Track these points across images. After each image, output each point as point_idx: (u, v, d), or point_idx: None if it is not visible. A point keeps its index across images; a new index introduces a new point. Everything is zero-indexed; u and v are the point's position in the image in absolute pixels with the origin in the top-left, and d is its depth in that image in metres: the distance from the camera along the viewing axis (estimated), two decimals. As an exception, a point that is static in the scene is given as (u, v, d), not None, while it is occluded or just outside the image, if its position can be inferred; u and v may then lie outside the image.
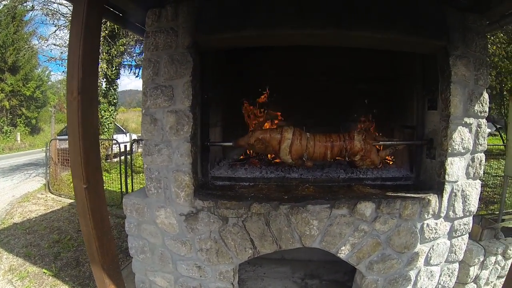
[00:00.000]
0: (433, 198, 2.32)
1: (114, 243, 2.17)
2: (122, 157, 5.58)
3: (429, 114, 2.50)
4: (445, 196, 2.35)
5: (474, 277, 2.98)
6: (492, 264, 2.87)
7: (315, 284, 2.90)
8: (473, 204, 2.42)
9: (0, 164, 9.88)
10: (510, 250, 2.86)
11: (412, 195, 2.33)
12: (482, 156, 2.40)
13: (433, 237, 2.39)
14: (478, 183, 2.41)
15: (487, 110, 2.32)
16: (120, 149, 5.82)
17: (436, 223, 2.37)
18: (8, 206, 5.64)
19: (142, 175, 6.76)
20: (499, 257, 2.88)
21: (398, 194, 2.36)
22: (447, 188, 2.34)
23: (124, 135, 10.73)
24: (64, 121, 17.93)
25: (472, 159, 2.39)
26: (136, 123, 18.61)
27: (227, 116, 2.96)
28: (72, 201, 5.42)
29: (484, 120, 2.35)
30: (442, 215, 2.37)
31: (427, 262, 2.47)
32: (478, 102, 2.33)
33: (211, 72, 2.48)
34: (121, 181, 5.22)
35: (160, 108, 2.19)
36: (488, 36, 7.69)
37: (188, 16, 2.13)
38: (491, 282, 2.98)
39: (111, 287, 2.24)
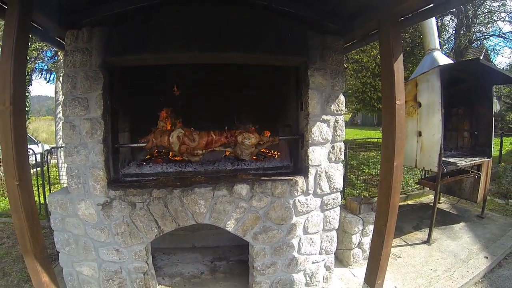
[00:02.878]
0: (299, 179, 2.89)
1: (41, 235, 2.49)
2: (37, 169, 5.29)
3: (301, 114, 3.03)
4: (311, 177, 2.91)
5: (357, 243, 3.27)
6: (371, 231, 3.13)
7: (223, 265, 3.21)
8: (338, 182, 2.99)
9: None
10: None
11: (282, 178, 2.82)
12: (341, 145, 3.01)
13: (306, 210, 2.94)
14: (340, 166, 3.00)
15: (343, 109, 2.96)
16: (35, 160, 5.41)
17: (307, 199, 2.94)
18: None
19: (59, 186, 6.93)
20: None
21: (270, 178, 2.83)
22: (312, 170, 2.90)
23: (36, 145, 9.75)
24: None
25: (333, 147, 2.99)
26: (47, 132, 16.60)
27: (134, 123, 3.48)
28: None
29: (341, 117, 2.98)
30: (311, 192, 2.93)
31: (306, 231, 3.00)
32: (335, 103, 2.91)
33: (119, 85, 3.02)
34: (38, 192, 5.04)
35: (78, 116, 2.65)
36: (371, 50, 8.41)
37: (100, 40, 2.61)
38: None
39: (43, 274, 2.45)
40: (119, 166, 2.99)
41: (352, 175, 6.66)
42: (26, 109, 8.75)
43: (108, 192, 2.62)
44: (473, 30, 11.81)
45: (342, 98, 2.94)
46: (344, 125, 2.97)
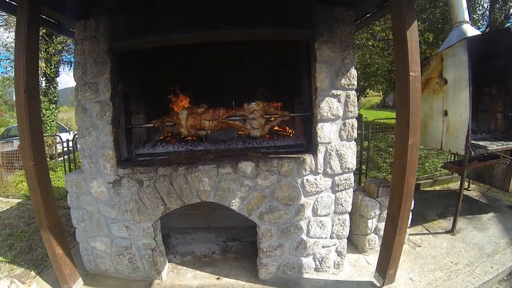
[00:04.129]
0: (308, 157, 2.59)
1: (57, 211, 2.53)
2: (66, 156, 5.33)
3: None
4: (320, 156, 2.60)
5: (373, 228, 2.88)
6: None
7: (235, 245, 3.00)
8: (350, 162, 2.64)
9: None
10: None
11: (289, 156, 2.54)
12: (353, 121, 2.65)
13: (315, 191, 2.65)
14: (353, 144, 2.65)
15: (355, 83, 2.58)
16: (63, 147, 5.52)
17: (316, 179, 2.65)
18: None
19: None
20: None
21: (276, 156, 2.55)
22: (321, 148, 2.60)
23: (68, 133, 9.73)
24: (4, 125, 16.63)
25: (344, 124, 2.64)
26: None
27: (149, 105, 3.38)
28: (20, 200, 5.44)
29: (353, 92, 2.61)
30: (320, 171, 2.63)
31: (315, 213, 2.71)
32: (346, 77, 2.56)
33: (132, 69, 2.94)
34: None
35: (88, 100, 2.62)
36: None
37: (106, 27, 2.55)
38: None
39: (57, 247, 2.47)
40: (132, 146, 2.93)
41: (379, 158, 6.06)
42: (54, 99, 9.20)
43: (117, 171, 2.55)
44: (510, 4, 10.21)
45: (353, 72, 2.57)
46: (356, 101, 2.61)
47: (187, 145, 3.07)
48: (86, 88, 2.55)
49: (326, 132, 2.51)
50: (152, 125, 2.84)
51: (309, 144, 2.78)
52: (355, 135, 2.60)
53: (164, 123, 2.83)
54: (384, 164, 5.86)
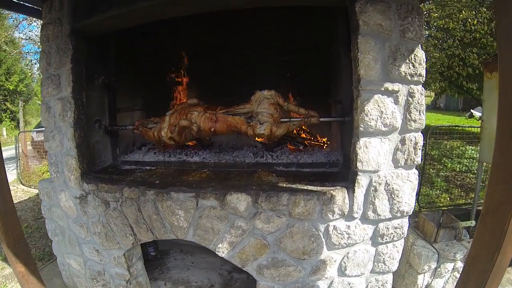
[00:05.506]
0: (339, 193, 1.46)
1: (18, 225, 1.88)
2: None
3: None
4: (359, 191, 1.46)
5: (424, 287, 1.60)
6: (449, 272, 1.64)
7: (241, 279, 2.03)
8: (407, 202, 1.49)
9: None
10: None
11: (309, 187, 1.49)
12: (418, 136, 1.46)
13: (345, 243, 1.55)
14: (413, 174, 1.49)
15: (423, 73, 1.42)
16: None
17: (348, 226, 1.53)
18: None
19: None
20: (459, 264, 1.52)
21: (291, 185, 1.51)
22: (362, 180, 1.47)
23: None
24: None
25: (402, 141, 1.45)
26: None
27: (148, 100, 2.54)
28: (40, 191, 4.91)
29: (420, 87, 1.44)
30: (357, 215, 1.50)
31: (342, 273, 1.64)
32: (407, 61, 1.39)
33: (122, 57, 2.16)
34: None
35: (52, 96, 1.88)
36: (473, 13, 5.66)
37: (69, 6, 1.77)
38: (448, 292, 1.94)
39: (17, 264, 1.87)
40: (117, 151, 2.18)
41: (431, 170, 4.48)
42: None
43: (82, 185, 1.78)
44: None
45: (420, 54, 1.37)
46: (424, 101, 1.43)
47: (181, 153, 2.18)
48: (49, 82, 1.81)
49: (373, 153, 1.37)
50: (132, 127, 2.05)
51: (346, 165, 1.64)
52: (418, 159, 1.40)
53: (143, 126, 1.99)
54: (438, 179, 4.36)
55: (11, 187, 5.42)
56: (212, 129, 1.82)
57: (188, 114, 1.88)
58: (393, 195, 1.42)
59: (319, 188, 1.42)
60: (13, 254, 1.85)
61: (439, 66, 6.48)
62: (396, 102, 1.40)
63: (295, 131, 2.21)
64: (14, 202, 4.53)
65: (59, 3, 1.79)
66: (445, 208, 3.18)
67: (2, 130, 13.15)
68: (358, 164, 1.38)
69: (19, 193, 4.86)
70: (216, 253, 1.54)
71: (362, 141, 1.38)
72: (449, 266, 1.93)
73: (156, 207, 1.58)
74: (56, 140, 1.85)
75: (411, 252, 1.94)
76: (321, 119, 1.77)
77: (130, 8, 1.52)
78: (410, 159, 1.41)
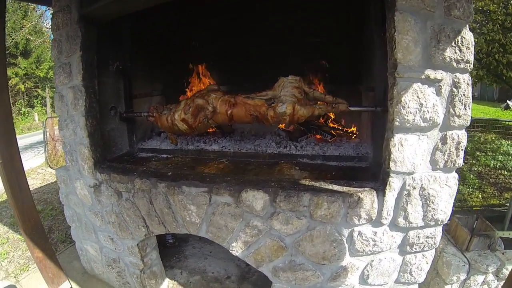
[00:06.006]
0: (367, 196, 1.30)
1: (35, 213, 1.98)
2: None
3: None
4: (390, 195, 1.29)
5: None
6: (479, 286, 1.38)
7: (259, 272, 1.93)
8: (443, 210, 1.30)
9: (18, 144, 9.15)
10: (506, 269, 1.27)
11: (334, 186, 1.33)
12: (461, 134, 1.26)
13: (370, 251, 1.40)
14: (452, 178, 1.28)
15: (472, 60, 1.18)
16: None
17: (375, 232, 1.37)
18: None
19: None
20: (490, 277, 1.38)
21: (308, 184, 1.35)
22: (394, 182, 1.28)
23: None
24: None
25: (443, 139, 1.25)
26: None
27: (168, 84, 2.47)
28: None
29: (467, 76, 1.21)
30: (385, 221, 1.34)
31: (364, 281, 1.50)
32: (453, 44, 1.17)
33: (137, 41, 2.08)
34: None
35: (64, 85, 1.83)
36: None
37: None
38: (477, 307, 1.77)
39: (35, 250, 1.96)
40: (133, 138, 2.14)
41: (464, 164, 4.08)
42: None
43: (95, 174, 1.76)
44: None
45: (468, 36, 1.14)
46: (470, 93, 1.20)
47: (199, 141, 2.10)
48: (60, 70, 1.77)
49: (409, 152, 1.19)
50: (147, 114, 1.99)
51: (376, 160, 1.50)
52: (460, 161, 1.22)
53: (158, 111, 1.91)
54: (471, 175, 3.90)
55: (39, 170, 5.60)
56: (229, 112, 1.68)
57: (205, 96, 1.77)
58: (428, 201, 1.25)
59: (345, 189, 1.28)
60: (30, 240, 1.91)
61: (476, 52, 5.85)
62: (438, 93, 1.21)
63: (321, 120, 2.08)
64: (42, 184, 4.57)
65: None
66: (478, 208, 2.94)
67: (34, 115, 13.94)
68: (391, 164, 1.21)
69: (47, 175, 5.06)
70: (230, 251, 1.47)
71: (397, 137, 1.20)
72: (480, 279, 1.76)
73: (167, 200, 1.52)
74: (69, 129, 1.83)
75: (439, 259, 1.79)
76: (351, 108, 1.57)
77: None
78: (451, 161, 1.22)
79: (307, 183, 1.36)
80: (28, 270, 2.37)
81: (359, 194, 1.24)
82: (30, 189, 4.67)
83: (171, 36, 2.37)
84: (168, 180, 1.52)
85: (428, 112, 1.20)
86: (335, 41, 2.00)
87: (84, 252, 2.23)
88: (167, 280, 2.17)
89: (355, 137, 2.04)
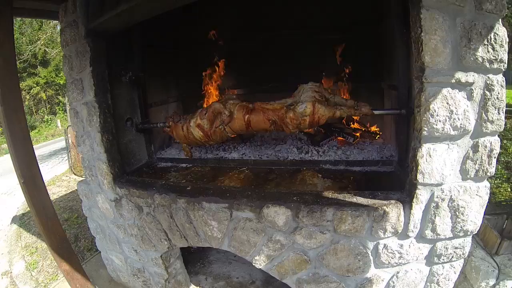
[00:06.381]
0: (393, 210, 1.24)
1: (60, 229, 2.01)
2: None
3: (412, 70, 1.31)
4: (417, 207, 1.23)
5: None
6: None
7: None
8: (473, 221, 1.24)
9: (42, 151, 8.91)
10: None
11: (358, 199, 1.28)
12: (494, 141, 1.18)
13: (396, 263, 1.36)
14: (483, 187, 1.21)
15: (506, 58, 1.08)
16: None
17: (401, 245, 1.32)
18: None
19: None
20: None
21: (337, 195, 1.33)
22: (422, 194, 1.22)
23: None
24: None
25: (474, 147, 1.17)
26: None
27: (185, 90, 2.52)
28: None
29: (500, 77, 1.12)
30: (412, 234, 1.29)
31: None
32: (485, 43, 1.07)
33: (141, 51, 2.06)
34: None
35: (77, 101, 1.85)
36: None
37: (81, 6, 1.67)
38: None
39: (62, 263, 2.02)
40: (152, 148, 2.17)
41: None
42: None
43: (115, 189, 1.79)
44: None
45: (502, 32, 1.05)
46: (505, 96, 1.11)
47: (218, 149, 2.09)
48: (73, 87, 1.78)
49: (437, 163, 1.14)
50: (162, 125, 1.99)
51: (402, 161, 1.47)
52: (492, 170, 1.15)
53: (174, 121, 1.90)
54: (498, 166, 3.70)
55: (64, 178, 5.63)
56: (247, 117, 1.64)
57: (223, 102, 1.75)
58: (457, 213, 1.19)
59: (369, 202, 1.24)
60: (57, 254, 1.98)
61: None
62: (470, 97, 1.13)
63: (344, 122, 2.04)
64: (67, 191, 4.64)
65: (72, 4, 1.70)
66: (505, 202, 2.83)
67: (57, 122, 14.45)
68: (419, 176, 1.16)
69: (72, 182, 5.16)
70: (253, 264, 1.48)
71: (425, 148, 1.15)
72: (510, 284, 1.72)
73: (188, 215, 1.53)
74: (86, 144, 1.86)
75: (468, 264, 1.74)
76: (375, 112, 1.51)
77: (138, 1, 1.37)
78: (482, 170, 1.16)
79: (330, 196, 1.34)
80: (57, 279, 2.47)
81: (385, 207, 1.21)
82: (56, 196, 4.79)
83: (184, 40, 2.36)
84: (188, 195, 1.53)
85: (458, 119, 1.13)
86: (355, 35, 1.91)
87: (109, 261, 2.31)
88: (192, 287, 2.22)
89: (378, 137, 1.99)
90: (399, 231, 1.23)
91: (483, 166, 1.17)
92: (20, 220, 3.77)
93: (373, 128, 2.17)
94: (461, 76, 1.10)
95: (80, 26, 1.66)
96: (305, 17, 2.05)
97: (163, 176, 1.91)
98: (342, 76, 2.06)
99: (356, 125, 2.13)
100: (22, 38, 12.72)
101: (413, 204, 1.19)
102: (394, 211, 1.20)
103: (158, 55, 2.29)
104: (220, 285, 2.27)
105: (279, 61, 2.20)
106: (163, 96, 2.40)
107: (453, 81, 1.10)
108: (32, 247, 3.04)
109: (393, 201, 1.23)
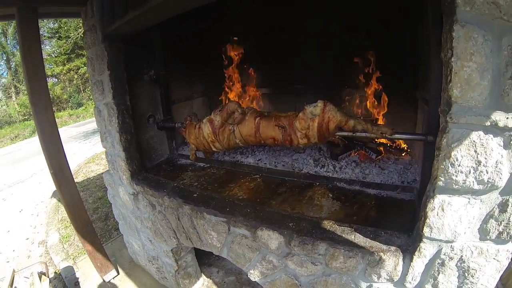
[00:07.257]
0: (390, 258, 1.17)
1: (85, 214, 2.30)
2: None
3: (442, 95, 1.07)
4: (418, 261, 1.14)
5: None
6: None
7: None
8: (483, 285, 1.10)
9: (87, 127, 9.61)
10: None
11: (356, 236, 1.23)
12: None
13: None
14: (505, 251, 1.04)
15: None
16: None
17: None
18: (76, 167, 5.65)
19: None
20: None
21: (323, 234, 1.28)
22: (426, 248, 1.11)
23: None
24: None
25: (503, 205, 1.00)
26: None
27: (211, 84, 2.56)
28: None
29: None
30: (409, 285, 1.20)
31: None
32: None
33: (162, 49, 2.12)
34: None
35: (100, 101, 2.01)
36: None
37: (98, 11, 1.73)
38: None
39: (86, 244, 2.33)
40: (173, 144, 2.30)
41: None
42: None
43: (132, 185, 1.97)
44: None
45: None
46: None
47: (236, 151, 2.12)
48: (95, 87, 1.93)
49: (451, 219, 1.01)
50: (179, 126, 2.05)
51: (421, 195, 1.28)
52: None
53: (192, 121, 1.95)
54: None
55: (103, 156, 5.71)
56: (257, 119, 1.61)
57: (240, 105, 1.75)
58: (466, 274, 1.07)
59: (367, 243, 1.18)
60: (81, 236, 2.29)
61: None
62: (507, 145, 0.92)
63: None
64: (104, 170, 4.79)
65: (91, 9, 1.77)
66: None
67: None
68: (425, 230, 1.04)
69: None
70: (248, 276, 1.55)
71: (438, 200, 1.01)
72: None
73: (192, 221, 1.64)
74: (108, 141, 2.05)
75: None
76: (396, 136, 1.36)
77: (144, 7, 1.32)
78: (507, 233, 0.99)
79: (327, 228, 1.29)
80: (84, 254, 2.80)
81: (381, 254, 1.13)
82: (94, 174, 5.21)
83: (207, 34, 2.34)
84: (192, 203, 1.61)
85: (487, 172, 0.96)
86: (385, 38, 1.71)
87: (130, 245, 2.61)
88: (202, 278, 2.42)
89: (406, 154, 1.81)
90: (395, 280, 1.16)
91: (509, 229, 1.01)
92: (59, 195, 4.40)
93: (401, 143, 1.97)
94: (500, 117, 0.89)
95: (98, 31, 1.74)
96: (335, 19, 1.84)
97: (179, 176, 2.00)
98: (371, 84, 1.87)
99: (382, 139, 1.97)
100: (70, 23, 14.06)
101: (414, 256, 1.09)
102: (391, 260, 1.13)
103: (181, 51, 2.30)
104: (230, 280, 2.42)
105: (305, 63, 2.06)
106: (187, 92, 2.45)
107: (488, 123, 0.90)
108: (67, 221, 3.39)
109: (393, 248, 1.14)
